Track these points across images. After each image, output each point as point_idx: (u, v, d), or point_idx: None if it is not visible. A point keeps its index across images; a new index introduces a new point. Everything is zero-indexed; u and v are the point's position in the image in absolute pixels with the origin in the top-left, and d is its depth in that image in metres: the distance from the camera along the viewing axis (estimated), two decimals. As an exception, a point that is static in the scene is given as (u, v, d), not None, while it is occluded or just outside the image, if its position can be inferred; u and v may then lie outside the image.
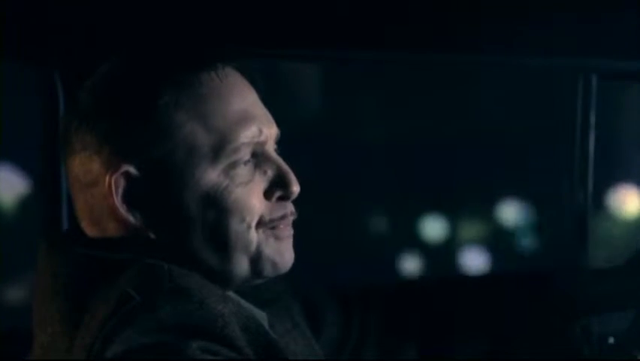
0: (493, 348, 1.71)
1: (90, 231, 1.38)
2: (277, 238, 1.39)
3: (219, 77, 1.37)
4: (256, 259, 1.37)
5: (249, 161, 1.37)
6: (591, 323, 1.82)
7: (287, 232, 1.40)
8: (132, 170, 1.34)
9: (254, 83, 1.42)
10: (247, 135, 1.36)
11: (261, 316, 1.41)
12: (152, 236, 1.35)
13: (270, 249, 1.38)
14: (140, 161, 1.34)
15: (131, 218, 1.34)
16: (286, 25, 1.74)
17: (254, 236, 1.37)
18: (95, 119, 1.36)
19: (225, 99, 1.36)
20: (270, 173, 1.39)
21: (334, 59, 1.87)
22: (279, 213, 1.39)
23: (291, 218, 1.40)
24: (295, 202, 1.42)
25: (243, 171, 1.36)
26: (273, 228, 1.38)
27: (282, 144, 1.44)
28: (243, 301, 1.39)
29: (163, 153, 1.34)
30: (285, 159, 1.42)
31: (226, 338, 1.24)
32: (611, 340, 1.75)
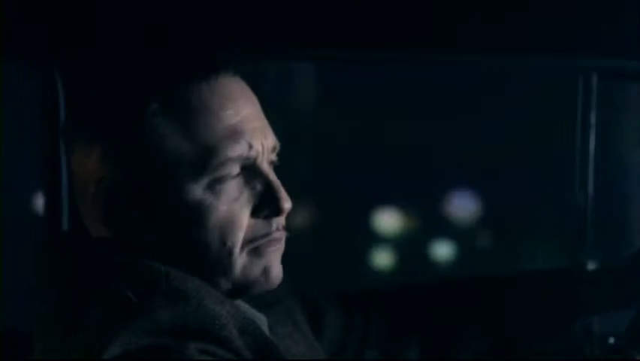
0: (494, 348, 1.71)
1: (91, 231, 1.38)
2: (261, 256, 1.34)
3: (211, 88, 1.32)
4: (241, 281, 1.34)
5: (236, 176, 1.32)
6: (591, 323, 1.82)
7: (271, 247, 1.35)
8: (117, 177, 1.32)
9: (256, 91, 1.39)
10: (235, 151, 1.31)
11: (262, 319, 1.41)
12: (144, 243, 1.33)
13: (257, 269, 1.34)
14: (124, 169, 1.32)
15: (112, 225, 1.33)
16: (286, 26, 1.74)
17: (237, 259, 1.33)
18: (86, 121, 1.34)
19: (214, 113, 1.31)
20: (260, 188, 1.33)
21: (334, 59, 1.87)
22: (264, 231, 1.34)
23: (276, 235, 1.35)
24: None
25: (229, 187, 1.31)
26: (257, 247, 1.34)
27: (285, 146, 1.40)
28: (243, 304, 1.39)
29: (147, 163, 1.31)
30: (281, 161, 1.40)
31: (223, 339, 1.23)
32: (611, 340, 1.75)
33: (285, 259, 1.42)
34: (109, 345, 1.20)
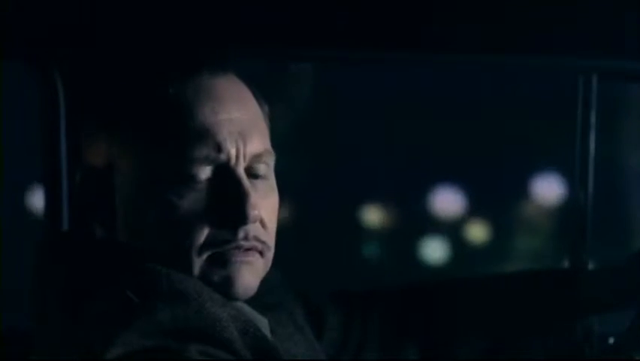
0: (494, 348, 1.71)
1: (96, 229, 1.39)
2: (223, 265, 1.32)
3: (195, 86, 1.31)
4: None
5: (205, 179, 1.31)
6: (591, 323, 1.82)
7: (237, 257, 1.32)
8: (96, 170, 1.34)
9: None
10: (201, 152, 1.30)
11: (263, 321, 1.40)
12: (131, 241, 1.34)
13: (217, 277, 1.31)
14: (116, 166, 1.33)
15: (107, 222, 1.34)
16: (286, 26, 1.74)
17: (194, 263, 1.31)
18: (86, 119, 1.37)
19: (190, 111, 1.30)
20: (228, 194, 1.31)
21: (334, 59, 1.87)
22: (226, 238, 1.31)
23: (244, 244, 1.32)
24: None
25: (195, 189, 1.30)
26: (218, 254, 1.31)
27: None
28: (244, 306, 1.38)
29: (134, 162, 1.32)
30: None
31: (224, 341, 1.23)
32: (611, 340, 1.75)
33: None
34: (111, 346, 1.20)
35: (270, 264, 1.37)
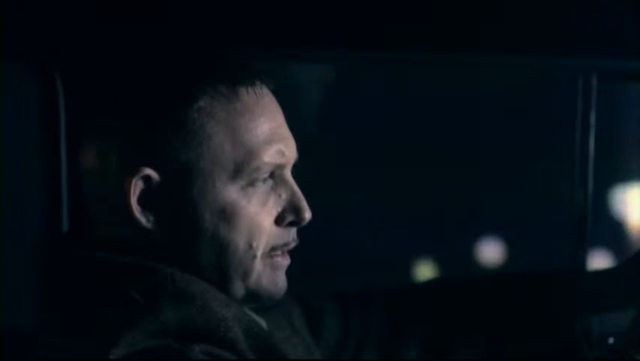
0: (493, 348, 1.71)
1: (99, 230, 1.37)
2: (274, 268, 1.37)
3: (256, 94, 1.36)
4: (253, 288, 1.36)
5: (265, 182, 1.36)
6: (591, 323, 1.82)
7: (284, 262, 1.39)
8: (153, 173, 1.32)
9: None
10: (270, 155, 1.35)
11: (261, 323, 1.41)
12: (160, 240, 1.33)
13: (267, 280, 1.37)
14: (162, 164, 1.32)
15: (143, 220, 1.33)
16: (288, 26, 1.74)
17: (257, 264, 1.35)
18: (121, 117, 1.34)
19: (257, 117, 1.35)
20: (284, 197, 1.37)
21: (334, 59, 1.87)
22: (284, 240, 1.37)
23: (292, 245, 1.39)
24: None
25: (258, 192, 1.35)
26: (272, 257, 1.37)
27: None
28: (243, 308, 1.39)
29: (187, 160, 1.32)
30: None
31: (228, 342, 1.24)
32: (611, 340, 1.75)
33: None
34: (115, 346, 1.21)
35: None
